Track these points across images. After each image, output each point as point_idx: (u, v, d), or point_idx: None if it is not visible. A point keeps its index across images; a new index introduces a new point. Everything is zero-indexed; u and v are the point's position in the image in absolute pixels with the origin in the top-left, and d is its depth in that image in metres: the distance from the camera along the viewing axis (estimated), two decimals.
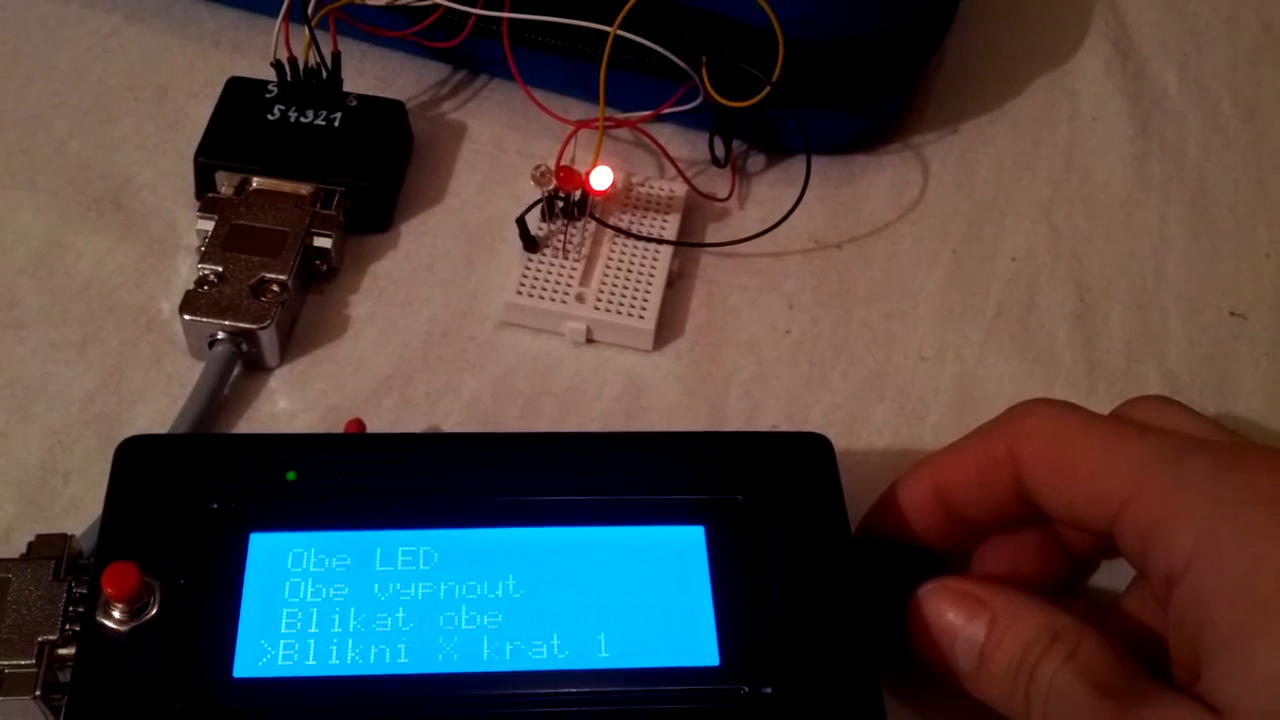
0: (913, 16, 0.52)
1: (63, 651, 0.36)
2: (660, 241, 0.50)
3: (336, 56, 0.51)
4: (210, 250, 0.47)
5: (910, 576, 0.40)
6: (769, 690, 0.36)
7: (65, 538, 0.39)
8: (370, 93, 0.52)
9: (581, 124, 0.51)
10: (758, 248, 0.52)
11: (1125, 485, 0.35)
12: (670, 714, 0.36)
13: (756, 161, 0.55)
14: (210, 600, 0.36)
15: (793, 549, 0.38)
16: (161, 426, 0.45)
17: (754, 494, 0.39)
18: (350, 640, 0.36)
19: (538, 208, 0.50)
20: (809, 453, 0.40)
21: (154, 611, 0.35)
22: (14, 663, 0.36)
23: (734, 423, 0.47)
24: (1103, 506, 0.36)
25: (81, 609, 0.36)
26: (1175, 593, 0.34)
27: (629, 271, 0.49)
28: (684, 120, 0.54)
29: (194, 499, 0.37)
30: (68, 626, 0.37)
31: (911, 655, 0.39)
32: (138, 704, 0.34)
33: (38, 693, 0.36)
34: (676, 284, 0.51)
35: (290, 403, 0.47)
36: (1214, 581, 0.33)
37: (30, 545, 0.39)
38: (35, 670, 0.36)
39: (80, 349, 0.47)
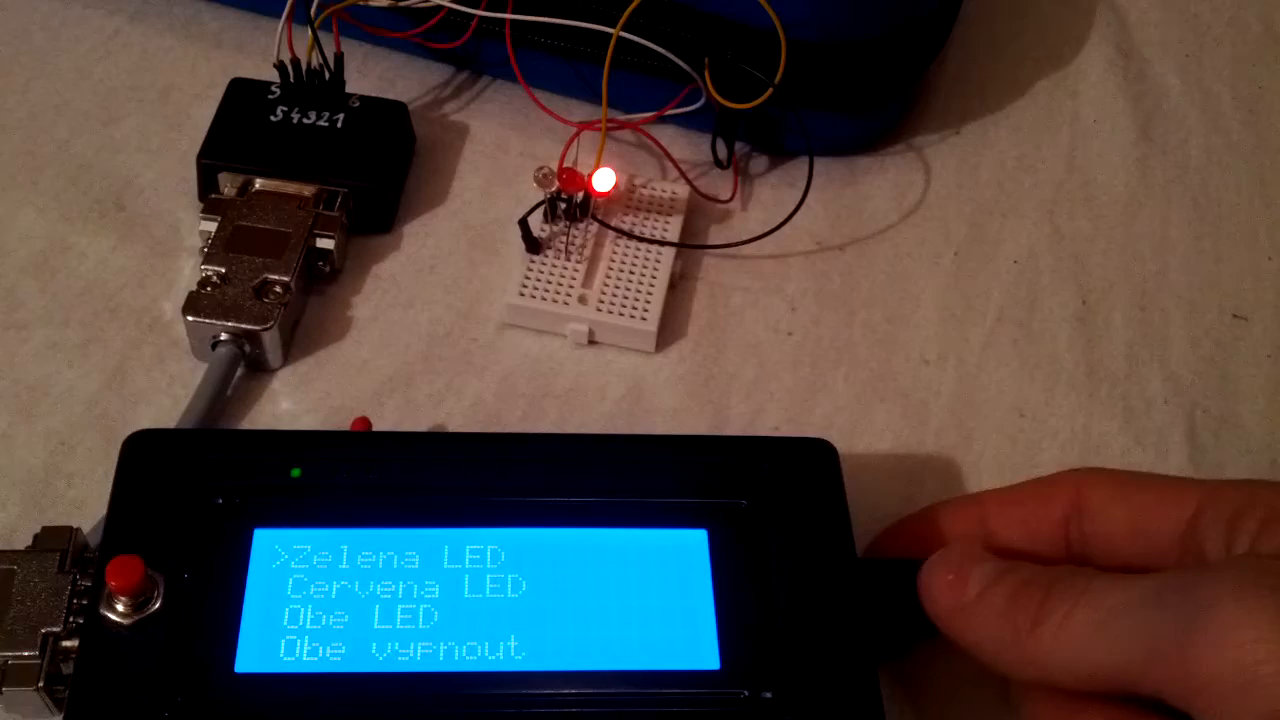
0: (914, 18, 0.52)
1: (66, 644, 0.37)
2: (662, 243, 0.50)
3: (339, 58, 0.51)
4: (213, 251, 0.48)
5: (912, 590, 0.40)
6: (769, 695, 0.36)
7: (71, 530, 0.39)
8: (373, 94, 0.52)
9: (584, 125, 0.51)
10: (760, 249, 0.52)
11: (1198, 495, 0.35)
12: (670, 717, 0.36)
13: (759, 163, 0.55)
14: (213, 595, 0.36)
15: (795, 554, 0.38)
16: (164, 427, 0.45)
17: (758, 499, 0.39)
18: (351, 637, 0.36)
19: (540, 209, 0.50)
20: (813, 458, 0.40)
21: (157, 605, 0.35)
22: (17, 654, 0.36)
23: (735, 425, 0.47)
24: (1179, 513, 0.36)
25: (86, 602, 0.36)
26: None
27: (631, 273, 0.49)
28: (686, 122, 0.54)
29: (199, 494, 0.37)
30: (72, 619, 0.37)
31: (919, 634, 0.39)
32: (140, 697, 0.34)
33: (40, 684, 0.36)
34: (679, 285, 0.51)
35: (293, 404, 0.47)
36: None
37: (36, 537, 0.39)
38: (38, 662, 0.36)
39: (83, 350, 0.47)
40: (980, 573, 0.36)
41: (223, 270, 0.47)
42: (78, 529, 0.39)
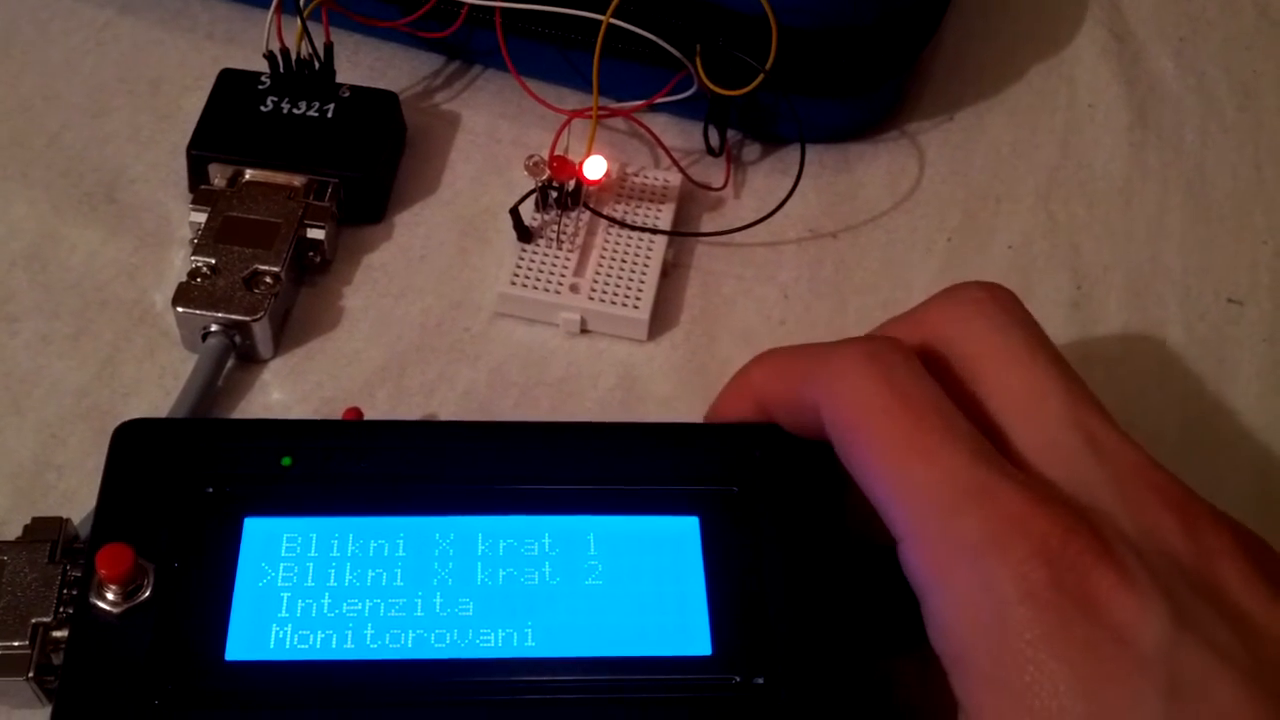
0: (908, 3, 0.52)
1: (56, 634, 0.36)
2: (655, 231, 0.50)
3: (329, 48, 0.51)
4: (203, 242, 0.47)
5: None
6: (761, 680, 0.36)
7: (62, 521, 0.39)
8: (363, 84, 0.52)
9: (575, 114, 0.51)
10: (753, 237, 0.52)
11: (901, 522, 0.33)
12: (661, 703, 0.36)
13: (751, 150, 0.55)
14: (204, 584, 0.36)
15: (787, 540, 0.38)
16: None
17: (749, 485, 0.39)
18: (342, 625, 0.36)
19: (532, 198, 0.49)
20: (805, 445, 0.40)
21: (147, 594, 0.35)
22: (7, 644, 0.36)
23: None
24: (885, 518, 0.34)
25: (76, 592, 0.36)
26: (951, 670, 0.32)
27: (623, 261, 0.49)
28: (678, 109, 0.54)
29: (189, 483, 0.37)
30: (62, 609, 0.37)
31: None
32: (130, 686, 0.34)
33: (30, 674, 0.36)
34: (671, 274, 0.51)
35: (284, 394, 0.47)
36: (988, 694, 0.31)
37: (26, 528, 0.39)
38: (28, 652, 0.36)
39: (73, 342, 0.47)
40: None
41: (213, 261, 0.47)
42: (68, 520, 0.39)
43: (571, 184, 0.49)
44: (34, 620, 0.37)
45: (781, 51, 0.49)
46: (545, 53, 0.54)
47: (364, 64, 0.56)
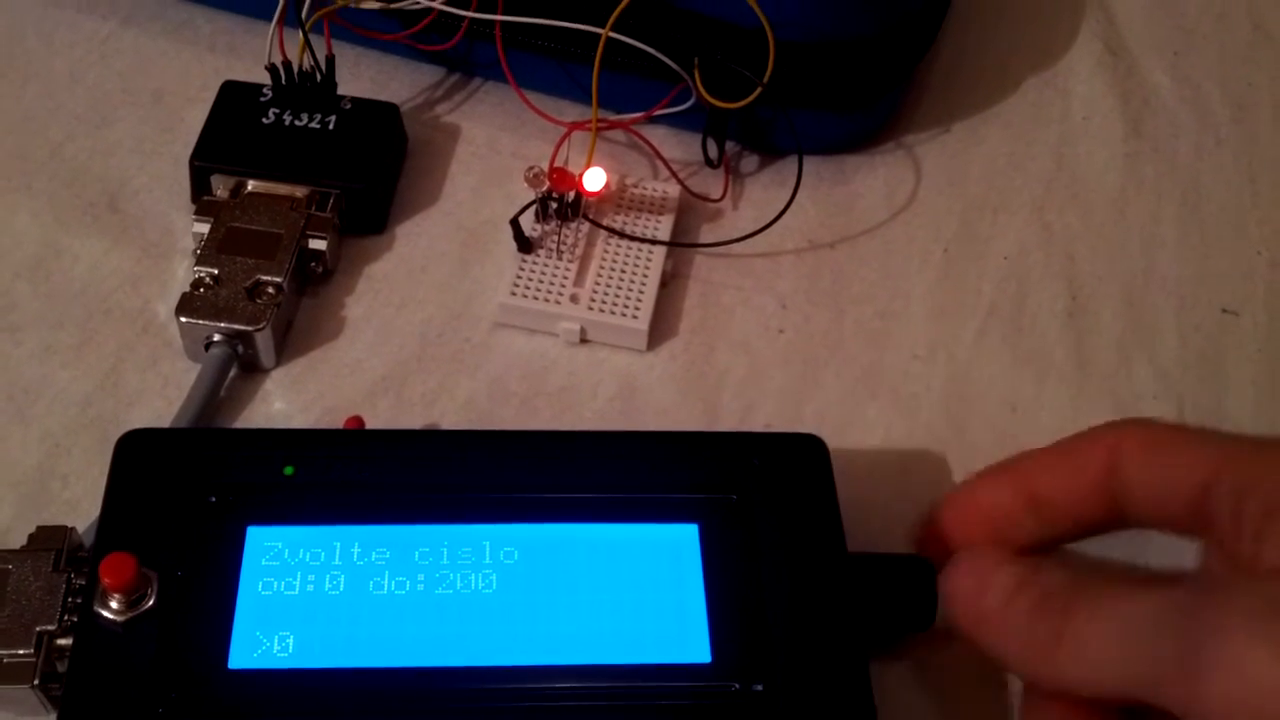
0: (904, 17, 0.53)
1: (61, 642, 0.37)
2: (654, 242, 0.50)
3: (331, 60, 0.52)
4: (206, 253, 0.48)
5: (902, 584, 0.40)
6: (760, 687, 0.36)
7: (66, 529, 0.39)
8: (365, 96, 0.53)
9: (575, 126, 0.51)
10: (751, 248, 0.52)
11: (1214, 460, 0.35)
12: (661, 710, 0.36)
13: (749, 162, 0.55)
14: (207, 592, 0.36)
15: (786, 548, 0.38)
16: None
17: (748, 494, 0.39)
18: (344, 634, 0.36)
19: (532, 209, 0.50)
20: (803, 453, 0.40)
21: (151, 603, 0.35)
22: (12, 652, 0.36)
23: (727, 422, 0.48)
24: (1194, 477, 0.35)
25: (80, 600, 0.36)
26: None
27: (623, 272, 0.50)
28: (677, 121, 0.55)
29: (193, 492, 0.37)
30: (67, 617, 0.37)
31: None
32: (134, 694, 0.34)
33: (36, 682, 0.36)
34: (670, 284, 0.51)
35: (286, 404, 0.47)
36: None
37: (31, 536, 0.39)
38: (34, 660, 0.36)
39: (77, 352, 0.48)
40: (1001, 581, 0.36)
41: (216, 271, 0.47)
42: (72, 528, 0.39)
43: (571, 195, 0.49)
44: (39, 628, 0.37)
45: (779, 65, 0.49)
46: (545, 65, 0.54)
47: (365, 76, 0.57)
